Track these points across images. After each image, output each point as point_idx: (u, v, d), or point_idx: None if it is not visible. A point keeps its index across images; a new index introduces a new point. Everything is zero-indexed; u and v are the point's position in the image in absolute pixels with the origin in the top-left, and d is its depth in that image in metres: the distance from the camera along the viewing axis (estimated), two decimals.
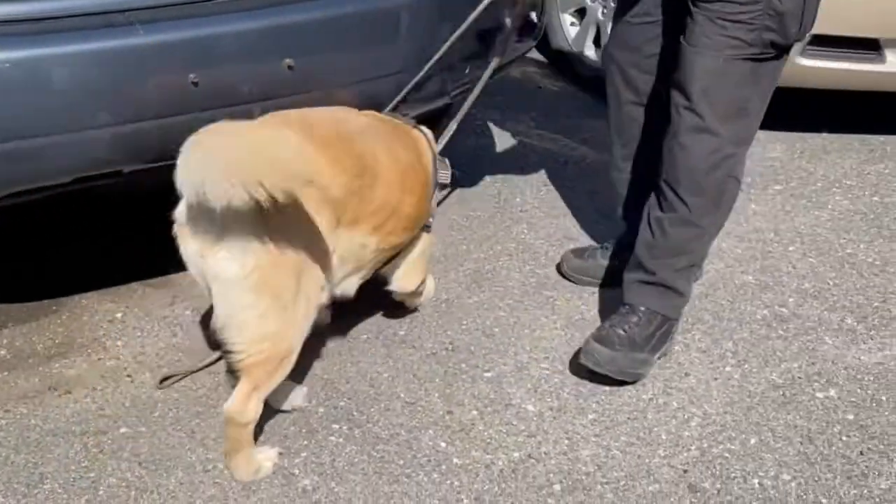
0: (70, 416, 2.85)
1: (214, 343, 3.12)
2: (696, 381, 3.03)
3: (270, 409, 2.78)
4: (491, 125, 4.77)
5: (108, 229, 3.74)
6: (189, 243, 2.45)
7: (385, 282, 3.06)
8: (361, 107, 2.94)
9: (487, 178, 4.27)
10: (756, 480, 2.66)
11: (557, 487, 2.63)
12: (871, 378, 3.04)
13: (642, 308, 3.07)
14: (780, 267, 3.62)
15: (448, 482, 2.64)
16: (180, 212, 2.45)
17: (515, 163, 4.44)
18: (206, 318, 3.27)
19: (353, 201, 2.62)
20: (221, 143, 2.25)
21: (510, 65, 3.86)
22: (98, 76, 2.72)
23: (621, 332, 3.02)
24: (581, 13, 5.26)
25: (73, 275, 3.46)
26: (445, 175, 3.07)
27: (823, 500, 2.59)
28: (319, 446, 2.75)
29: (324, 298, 2.66)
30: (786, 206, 4.05)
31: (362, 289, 2.87)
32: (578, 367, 3.03)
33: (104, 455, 2.71)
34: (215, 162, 2.19)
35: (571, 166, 4.41)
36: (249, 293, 2.42)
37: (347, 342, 3.18)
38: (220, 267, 2.41)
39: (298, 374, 2.84)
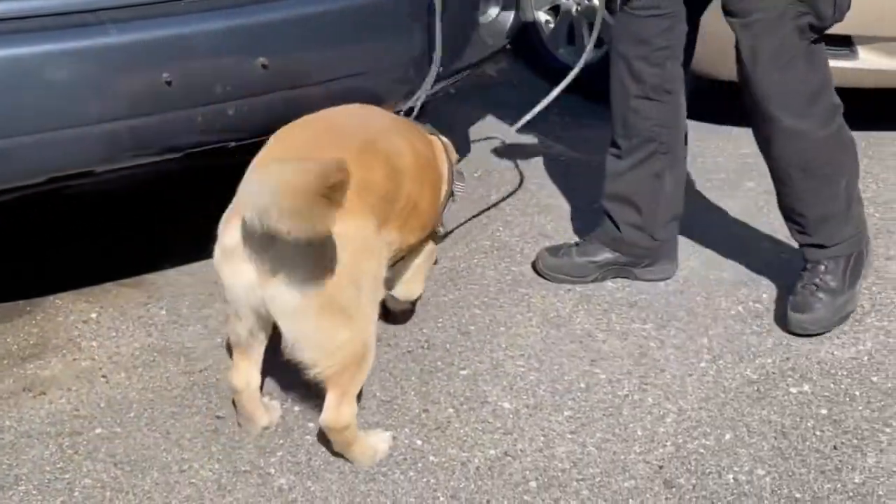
0: (45, 417, 2.84)
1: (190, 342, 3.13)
2: (672, 378, 3.04)
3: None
4: (463, 124, 4.77)
5: (82, 230, 3.72)
6: (243, 273, 2.42)
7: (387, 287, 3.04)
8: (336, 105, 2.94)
9: None
10: (731, 476, 2.67)
11: (533, 484, 2.63)
12: (845, 373, 3.06)
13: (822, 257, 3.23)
14: (755, 263, 3.63)
15: (424, 480, 2.64)
16: (232, 239, 2.42)
17: (489, 161, 4.44)
18: (181, 318, 3.27)
19: (387, 202, 2.64)
20: (288, 170, 2.26)
21: (484, 62, 3.88)
22: (69, 76, 2.71)
23: (814, 286, 3.18)
24: (555, 10, 5.26)
25: (47, 275, 3.44)
26: (462, 187, 3.10)
27: (798, 495, 2.61)
28: (295, 445, 2.75)
29: (383, 291, 2.70)
30: (759, 201, 4.06)
31: None
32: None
33: (79, 456, 2.70)
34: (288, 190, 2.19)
35: (546, 164, 4.41)
36: (316, 317, 2.42)
37: None
38: (284, 298, 2.39)
39: (273, 372, 2.84)
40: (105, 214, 3.75)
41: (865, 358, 3.13)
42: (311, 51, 3.09)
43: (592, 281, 3.50)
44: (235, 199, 2.45)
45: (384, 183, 2.61)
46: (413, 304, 3.28)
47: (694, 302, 3.42)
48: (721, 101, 4.39)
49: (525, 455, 2.73)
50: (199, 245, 3.53)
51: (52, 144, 2.74)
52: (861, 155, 3.32)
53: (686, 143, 3.45)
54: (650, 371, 3.07)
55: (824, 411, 2.91)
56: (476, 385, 3.00)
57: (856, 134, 3.23)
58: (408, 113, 3.15)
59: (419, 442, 2.77)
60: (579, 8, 5.05)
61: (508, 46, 4.05)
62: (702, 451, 2.75)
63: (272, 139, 2.67)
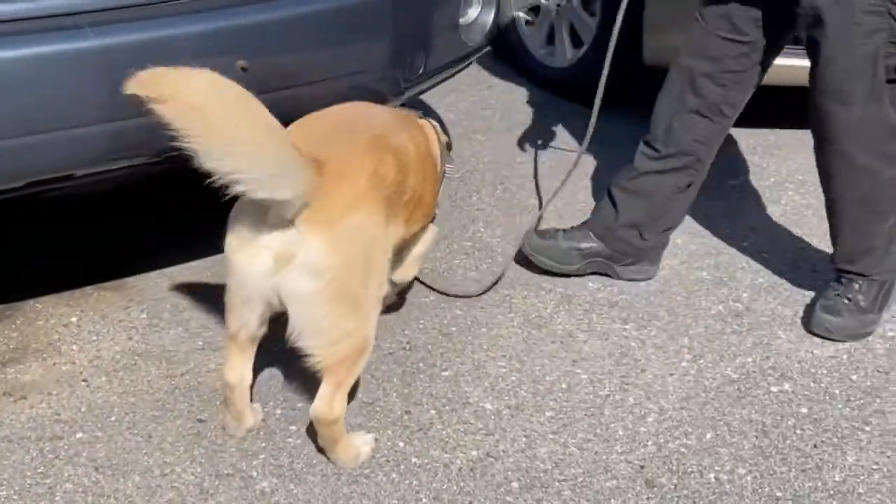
0: (25, 421, 2.83)
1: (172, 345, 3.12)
2: (653, 377, 3.05)
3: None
4: (445, 123, 4.77)
5: (62, 233, 3.71)
6: (259, 258, 2.44)
7: None
8: (318, 108, 2.94)
9: None
10: (712, 475, 2.68)
11: (515, 485, 2.64)
12: (825, 372, 3.08)
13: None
14: (735, 262, 3.65)
15: (407, 482, 2.64)
16: (247, 226, 2.44)
17: (471, 161, 4.44)
18: (162, 322, 3.26)
19: (398, 195, 2.67)
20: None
21: (464, 62, 3.88)
22: (48, 80, 2.70)
23: (846, 300, 3.20)
24: (535, 11, 5.26)
25: (27, 279, 3.43)
26: (452, 169, 3.13)
27: (778, 493, 2.62)
28: (277, 448, 2.75)
29: (387, 287, 2.73)
30: (740, 201, 4.08)
31: None
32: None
33: (60, 461, 2.69)
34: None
35: (528, 165, 4.41)
36: (328, 304, 2.45)
37: None
38: (297, 284, 2.42)
39: (255, 376, 2.83)
40: (85, 218, 3.74)
41: (845, 357, 3.15)
42: (291, 53, 3.08)
43: (574, 273, 3.50)
44: None
45: (395, 176, 2.64)
46: (402, 296, 3.28)
47: (674, 302, 3.43)
48: None
49: (507, 456, 2.73)
50: (180, 248, 3.53)
51: (30, 149, 2.72)
52: None
53: None
54: (631, 371, 3.08)
55: (804, 410, 2.92)
56: (458, 386, 3.00)
57: None
58: None
59: (401, 444, 2.77)
60: (559, 8, 5.05)
61: (489, 48, 4.04)
62: (683, 450, 2.76)
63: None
